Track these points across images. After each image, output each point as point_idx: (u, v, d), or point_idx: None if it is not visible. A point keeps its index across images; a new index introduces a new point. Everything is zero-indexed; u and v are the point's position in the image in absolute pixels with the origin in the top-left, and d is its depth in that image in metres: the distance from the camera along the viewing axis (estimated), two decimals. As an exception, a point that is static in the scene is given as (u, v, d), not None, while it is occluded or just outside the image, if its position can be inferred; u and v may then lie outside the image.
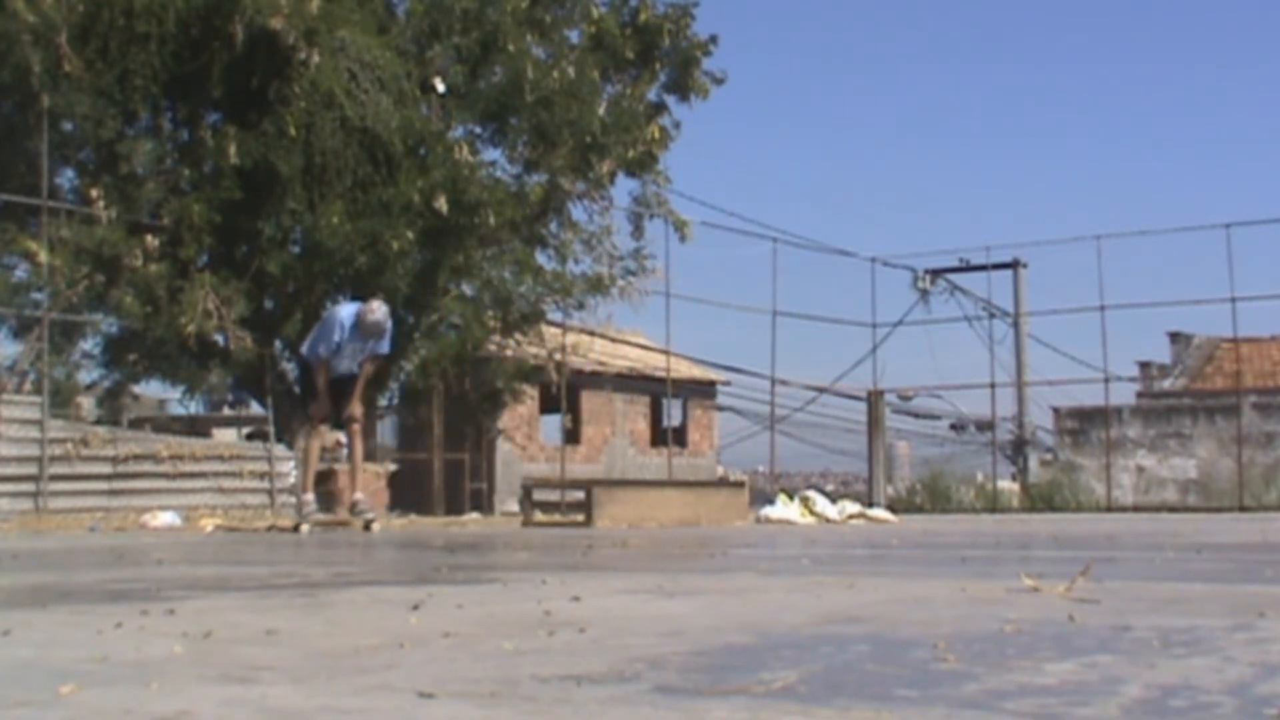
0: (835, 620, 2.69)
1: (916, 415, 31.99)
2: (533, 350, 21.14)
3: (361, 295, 19.12)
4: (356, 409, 10.78)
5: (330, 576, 4.46)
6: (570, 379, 23.01)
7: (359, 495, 10.83)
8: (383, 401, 23.35)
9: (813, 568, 4.96)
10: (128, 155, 16.94)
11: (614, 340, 27.17)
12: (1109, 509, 22.75)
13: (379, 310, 10.58)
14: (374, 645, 2.26)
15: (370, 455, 22.87)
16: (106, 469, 14.73)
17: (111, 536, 9.00)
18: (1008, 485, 27.10)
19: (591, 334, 23.42)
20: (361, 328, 10.51)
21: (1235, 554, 6.19)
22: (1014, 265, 28.45)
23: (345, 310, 10.88)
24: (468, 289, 19.60)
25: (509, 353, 20.86)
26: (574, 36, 20.28)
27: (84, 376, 19.01)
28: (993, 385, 26.34)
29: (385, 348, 11.00)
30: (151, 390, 23.67)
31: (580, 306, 20.91)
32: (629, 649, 2.16)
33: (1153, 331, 49.32)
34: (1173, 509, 22.75)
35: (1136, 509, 23.28)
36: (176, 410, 26.63)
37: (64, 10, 15.97)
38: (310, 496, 10.92)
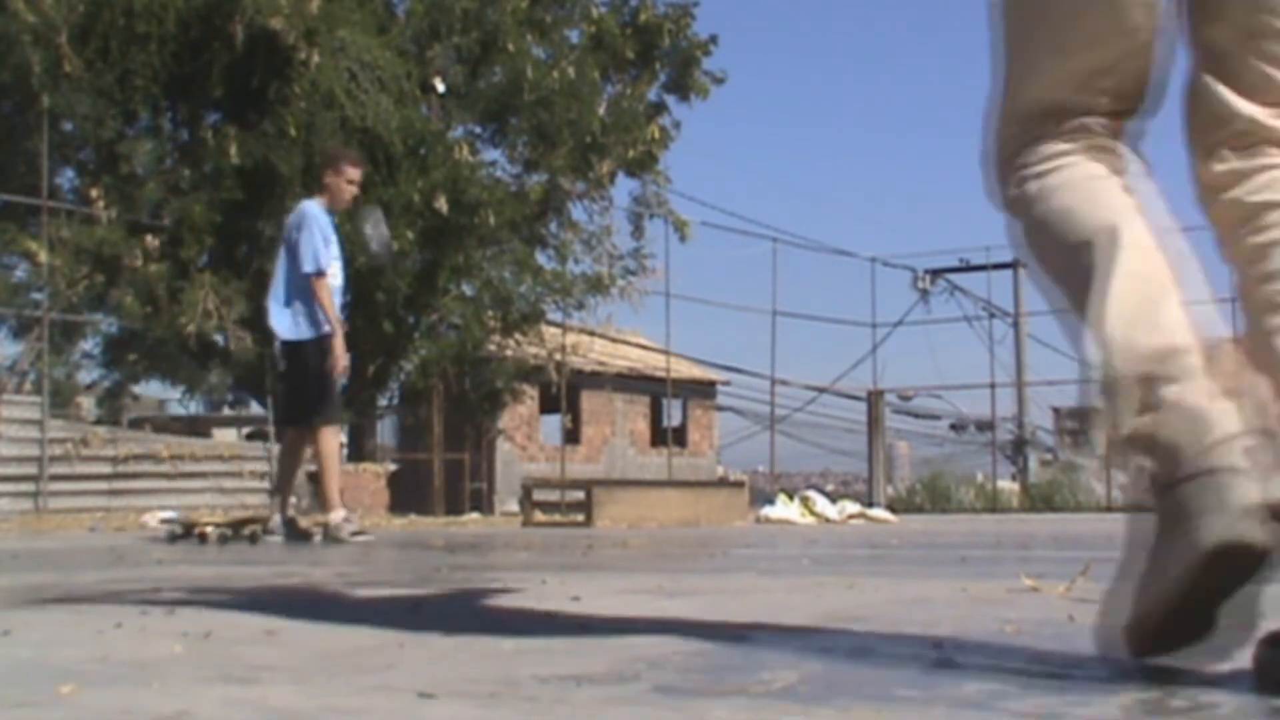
0: (835, 620, 2.69)
1: (916, 415, 32.02)
2: (533, 350, 21.16)
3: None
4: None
5: (331, 576, 4.47)
6: (570, 379, 23.02)
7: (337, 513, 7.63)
8: (383, 401, 23.35)
9: (813, 568, 4.96)
10: (128, 155, 16.96)
11: (614, 340, 27.19)
12: (1109, 509, 22.75)
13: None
14: (374, 645, 2.26)
15: (370, 455, 22.88)
16: (106, 469, 14.73)
17: (111, 536, 8.99)
18: (1008, 485, 27.12)
19: (591, 334, 23.44)
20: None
21: (1235, 554, 6.17)
22: (1014, 265, 28.46)
23: (313, 207, 8.10)
24: (468, 289, 19.62)
25: (509, 353, 20.87)
26: (574, 36, 20.29)
27: (84, 376, 19.06)
28: (993, 385, 26.40)
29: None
30: (151, 390, 23.73)
31: (580, 306, 20.95)
32: (629, 649, 2.16)
33: (1153, 331, 49.28)
34: (1173, 509, 22.70)
35: (1136, 509, 23.24)
36: (176, 410, 26.72)
37: (64, 10, 15.98)
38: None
